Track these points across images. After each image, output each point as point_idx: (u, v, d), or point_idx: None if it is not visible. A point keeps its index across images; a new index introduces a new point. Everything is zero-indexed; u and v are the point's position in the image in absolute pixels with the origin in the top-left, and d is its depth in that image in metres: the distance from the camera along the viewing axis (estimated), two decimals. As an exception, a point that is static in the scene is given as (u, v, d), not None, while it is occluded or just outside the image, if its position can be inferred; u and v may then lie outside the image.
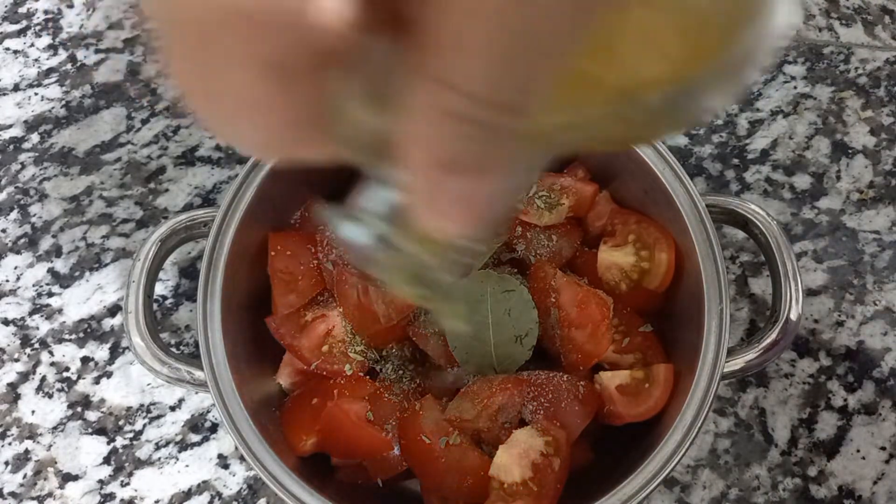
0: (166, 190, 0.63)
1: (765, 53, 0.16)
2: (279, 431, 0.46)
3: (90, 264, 0.60)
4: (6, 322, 0.58)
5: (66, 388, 0.56)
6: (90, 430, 0.55)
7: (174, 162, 0.64)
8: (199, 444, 0.55)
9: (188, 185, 0.63)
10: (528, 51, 0.11)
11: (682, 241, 0.48)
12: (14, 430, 0.55)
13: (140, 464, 0.54)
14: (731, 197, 0.49)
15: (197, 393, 0.56)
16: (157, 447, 0.54)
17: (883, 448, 0.54)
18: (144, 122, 0.66)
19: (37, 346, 0.58)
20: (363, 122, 0.14)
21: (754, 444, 0.54)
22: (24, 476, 0.54)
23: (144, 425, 0.55)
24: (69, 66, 0.69)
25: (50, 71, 0.69)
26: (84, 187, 0.63)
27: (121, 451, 0.54)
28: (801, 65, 0.69)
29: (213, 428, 0.55)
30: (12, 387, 0.56)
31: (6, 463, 0.54)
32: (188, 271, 0.60)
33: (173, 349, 0.54)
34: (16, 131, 0.66)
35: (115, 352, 0.57)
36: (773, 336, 0.45)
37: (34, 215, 0.62)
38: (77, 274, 0.60)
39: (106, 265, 0.60)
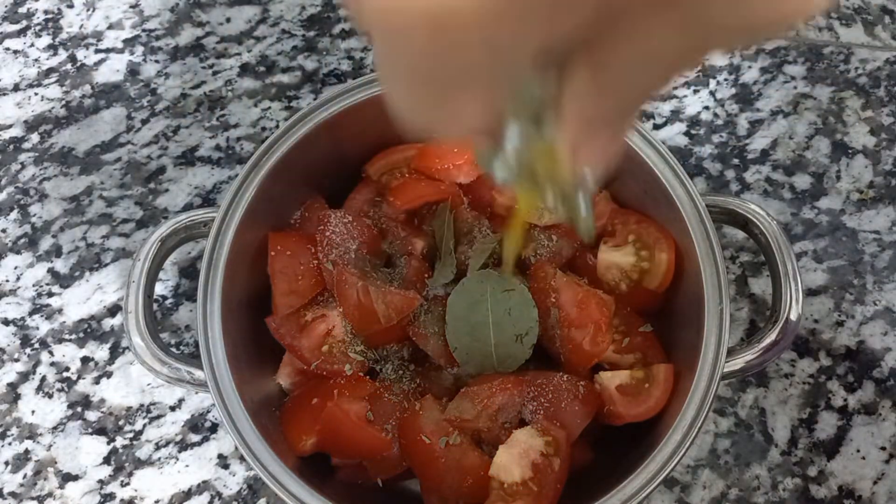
0: (166, 190, 0.63)
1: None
2: (279, 431, 0.46)
3: (90, 264, 0.60)
4: (6, 322, 0.59)
5: (66, 388, 0.56)
6: (90, 430, 0.55)
7: (174, 162, 0.64)
8: (199, 444, 0.55)
9: (188, 185, 0.63)
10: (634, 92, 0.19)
11: (682, 241, 0.48)
12: (14, 430, 0.55)
13: (140, 464, 0.54)
14: (731, 197, 0.49)
15: (197, 393, 0.56)
16: (157, 447, 0.54)
17: (883, 448, 0.54)
18: (144, 122, 0.66)
19: (37, 346, 0.58)
20: (534, 94, 0.19)
21: (754, 444, 0.54)
22: (24, 476, 0.54)
23: (144, 425, 0.55)
24: (69, 66, 0.69)
25: (50, 71, 0.69)
26: (84, 187, 0.63)
27: (121, 451, 0.54)
28: (801, 65, 0.69)
29: (213, 428, 0.55)
30: (12, 387, 0.56)
31: (6, 463, 0.54)
32: (188, 271, 0.60)
33: (173, 349, 0.54)
34: (16, 131, 0.66)
35: (115, 352, 0.57)
36: (773, 336, 0.45)
37: (34, 215, 0.62)
38: (77, 274, 0.60)
39: (106, 265, 0.60)
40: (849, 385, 0.56)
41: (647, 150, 0.48)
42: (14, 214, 0.62)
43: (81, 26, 0.71)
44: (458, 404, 0.45)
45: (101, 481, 0.53)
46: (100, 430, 0.55)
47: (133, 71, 0.68)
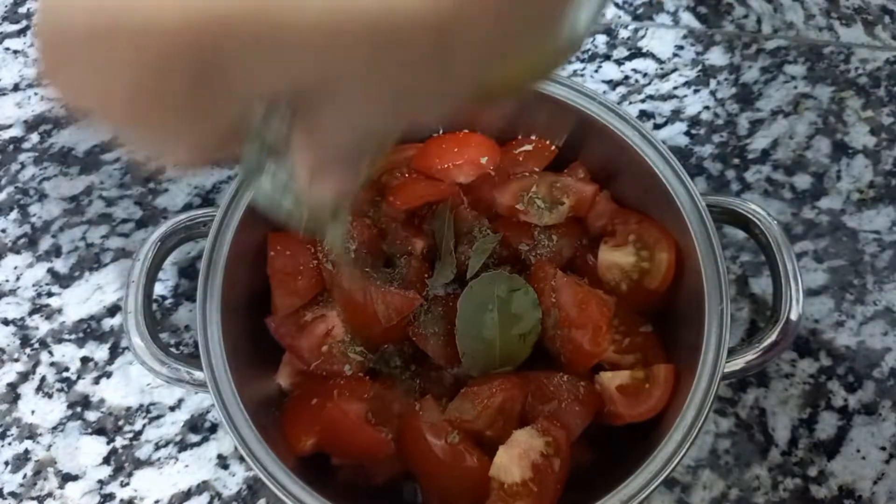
0: (166, 190, 0.63)
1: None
2: (279, 432, 0.46)
3: (90, 264, 0.60)
4: (6, 322, 0.58)
5: (65, 388, 0.56)
6: (90, 430, 0.55)
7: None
8: (198, 444, 0.55)
9: (188, 184, 0.63)
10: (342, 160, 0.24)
11: (682, 241, 0.48)
12: (14, 430, 0.55)
13: (140, 464, 0.54)
14: (732, 197, 0.50)
15: (196, 393, 0.56)
16: (157, 447, 0.54)
17: (883, 448, 0.54)
18: (144, 121, 0.66)
19: (36, 346, 0.58)
20: (266, 138, 0.22)
21: (755, 444, 0.54)
22: (24, 476, 0.54)
23: (144, 425, 0.55)
24: (69, 65, 0.69)
25: (50, 71, 0.68)
26: (84, 187, 0.63)
27: (120, 451, 0.54)
28: (802, 65, 0.69)
29: (213, 428, 0.55)
30: (12, 387, 0.56)
31: (6, 463, 0.54)
32: (188, 271, 0.60)
33: (173, 349, 0.54)
34: (16, 131, 0.66)
35: (115, 352, 0.57)
36: (773, 336, 0.45)
37: (34, 215, 0.62)
38: (77, 274, 0.60)
39: (106, 265, 0.60)
40: (849, 385, 0.56)
41: (647, 150, 0.48)
42: (14, 214, 0.62)
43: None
44: (458, 404, 0.45)
45: (100, 481, 0.53)
46: (99, 431, 0.55)
47: (133, 71, 0.68)
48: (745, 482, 0.53)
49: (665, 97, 0.67)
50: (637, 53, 0.70)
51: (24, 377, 0.57)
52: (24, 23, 0.71)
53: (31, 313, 0.59)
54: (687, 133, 0.66)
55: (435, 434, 0.44)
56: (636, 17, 0.72)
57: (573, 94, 0.50)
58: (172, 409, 0.56)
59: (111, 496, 0.53)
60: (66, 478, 0.54)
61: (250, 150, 0.23)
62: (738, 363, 0.45)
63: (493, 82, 0.24)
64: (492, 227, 0.52)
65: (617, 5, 0.72)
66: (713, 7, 0.72)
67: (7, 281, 0.60)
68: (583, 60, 0.69)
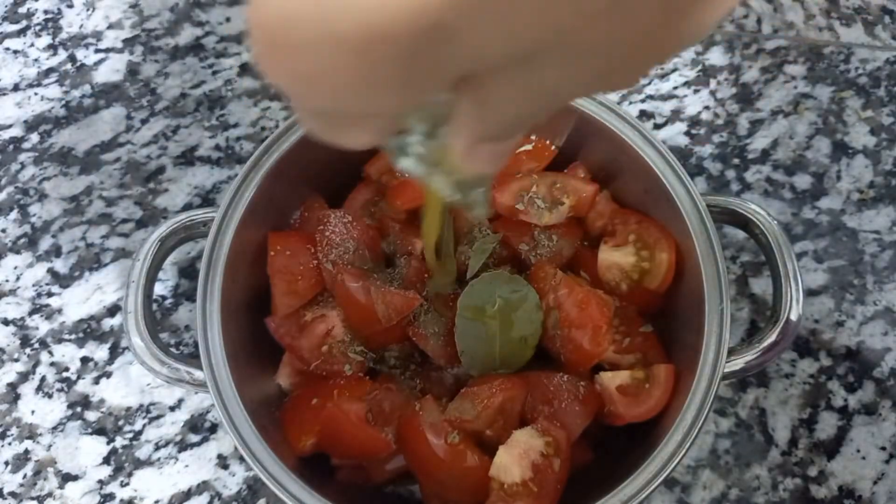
0: (166, 190, 0.63)
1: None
2: (279, 432, 0.46)
3: (90, 264, 0.60)
4: (6, 322, 0.58)
5: (65, 388, 0.56)
6: (90, 430, 0.55)
7: (174, 162, 0.64)
8: (198, 444, 0.55)
9: (188, 184, 0.63)
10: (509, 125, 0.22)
11: (682, 241, 0.48)
12: (14, 430, 0.55)
13: (140, 464, 0.54)
14: (732, 197, 0.49)
15: (196, 393, 0.56)
16: (157, 447, 0.54)
17: (883, 448, 0.54)
18: (144, 121, 0.66)
19: (36, 346, 0.58)
20: (428, 115, 0.23)
21: (755, 444, 0.54)
22: (24, 476, 0.54)
23: (144, 425, 0.55)
24: (69, 66, 0.69)
25: (50, 71, 0.69)
26: (84, 187, 0.63)
27: (120, 451, 0.54)
28: (802, 65, 0.69)
29: (213, 428, 0.55)
30: (12, 387, 0.56)
31: (6, 463, 0.54)
32: (188, 271, 0.60)
33: (173, 349, 0.54)
34: (16, 131, 0.66)
35: (115, 352, 0.57)
36: (773, 336, 0.45)
37: (34, 215, 0.62)
38: (77, 274, 0.60)
39: (105, 265, 0.60)
40: (849, 385, 0.56)
41: (647, 150, 0.48)
42: (14, 214, 0.62)
43: (81, 26, 0.71)
44: (458, 404, 0.45)
45: (100, 481, 0.53)
46: (99, 431, 0.55)
47: (133, 71, 0.68)
48: (745, 482, 0.53)
49: (665, 97, 0.67)
50: (637, 53, 0.70)
51: (24, 377, 0.57)
52: (23, 23, 0.71)
53: (31, 313, 0.59)
54: (687, 133, 0.66)
55: (435, 434, 0.44)
56: (636, 17, 0.72)
57: (573, 94, 0.50)
58: (172, 409, 0.56)
59: (111, 496, 0.53)
60: (66, 478, 0.54)
61: (413, 121, 0.23)
62: (738, 363, 0.45)
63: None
64: (492, 227, 0.52)
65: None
66: (713, 7, 0.72)
67: (7, 281, 0.60)
68: (583, 60, 0.69)
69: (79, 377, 0.57)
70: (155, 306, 0.58)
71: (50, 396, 0.56)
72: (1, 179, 0.64)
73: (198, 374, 0.44)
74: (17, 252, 0.61)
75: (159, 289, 0.59)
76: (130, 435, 0.55)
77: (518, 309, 0.48)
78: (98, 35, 0.70)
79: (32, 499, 0.53)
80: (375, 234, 0.51)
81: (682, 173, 0.48)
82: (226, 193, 0.48)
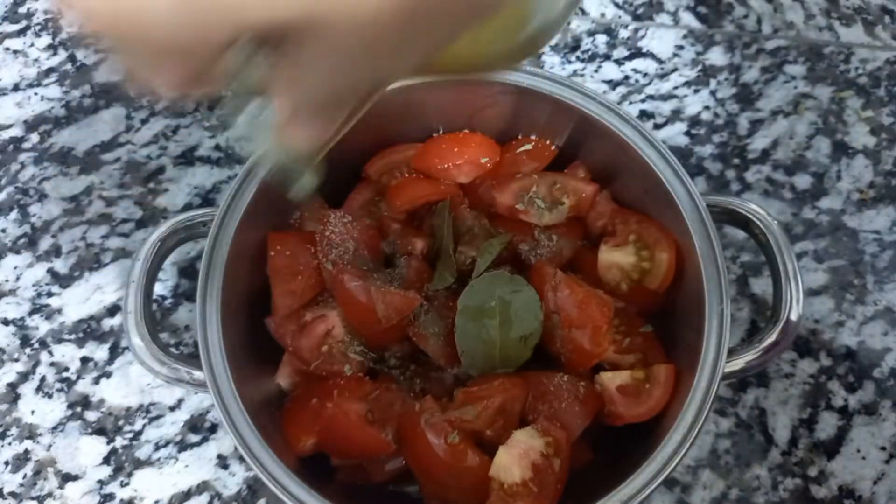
0: (166, 190, 0.63)
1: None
2: (279, 432, 0.46)
3: (90, 264, 0.60)
4: (6, 322, 0.58)
5: (65, 388, 0.56)
6: (90, 430, 0.55)
7: (174, 162, 0.64)
8: (198, 444, 0.55)
9: (188, 184, 0.63)
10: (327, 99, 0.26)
11: (682, 241, 0.48)
12: (14, 430, 0.55)
13: (140, 464, 0.54)
14: (732, 197, 0.49)
15: (196, 393, 0.56)
16: (157, 447, 0.54)
17: (883, 448, 0.54)
18: (144, 121, 0.66)
19: (36, 346, 0.58)
20: (250, 77, 0.25)
21: (755, 444, 0.54)
22: (24, 476, 0.54)
23: (144, 425, 0.55)
24: (69, 66, 0.69)
25: (50, 71, 0.69)
26: (84, 187, 0.63)
27: (120, 451, 0.54)
28: (802, 65, 0.69)
29: (213, 428, 0.55)
30: (12, 387, 0.56)
31: (6, 463, 0.54)
32: (188, 271, 0.60)
33: (173, 349, 0.54)
34: (16, 131, 0.66)
35: (115, 352, 0.57)
36: (773, 336, 0.45)
37: (34, 215, 0.62)
38: (77, 274, 0.60)
39: (105, 265, 0.60)
40: (849, 385, 0.56)
41: (647, 150, 0.48)
42: (14, 214, 0.62)
43: (81, 26, 0.71)
44: (458, 404, 0.45)
45: (100, 481, 0.53)
46: (99, 431, 0.55)
47: (133, 71, 0.68)
48: (745, 482, 0.53)
49: (665, 97, 0.67)
50: (637, 53, 0.70)
51: (24, 377, 0.57)
52: (23, 23, 0.71)
53: (31, 313, 0.59)
54: (687, 133, 0.66)
55: (435, 434, 0.44)
56: (636, 17, 0.72)
57: (573, 93, 0.50)
58: (172, 409, 0.56)
59: (111, 496, 0.53)
60: (66, 478, 0.54)
61: (233, 86, 0.25)
62: (738, 363, 0.45)
63: (462, 51, 0.27)
64: (492, 227, 0.52)
65: (617, 5, 0.72)
66: (713, 7, 0.72)
67: (7, 281, 0.60)
68: (583, 60, 0.69)
69: (79, 377, 0.57)
70: (155, 306, 0.58)
71: (50, 396, 0.56)
72: (1, 179, 0.64)
73: (198, 374, 0.44)
74: (17, 252, 0.61)
75: (159, 289, 0.59)
76: (130, 435, 0.55)
77: (518, 309, 0.48)
78: (98, 35, 0.70)
79: (32, 499, 0.53)
80: (375, 234, 0.51)
81: (682, 173, 0.48)
82: (226, 193, 0.48)
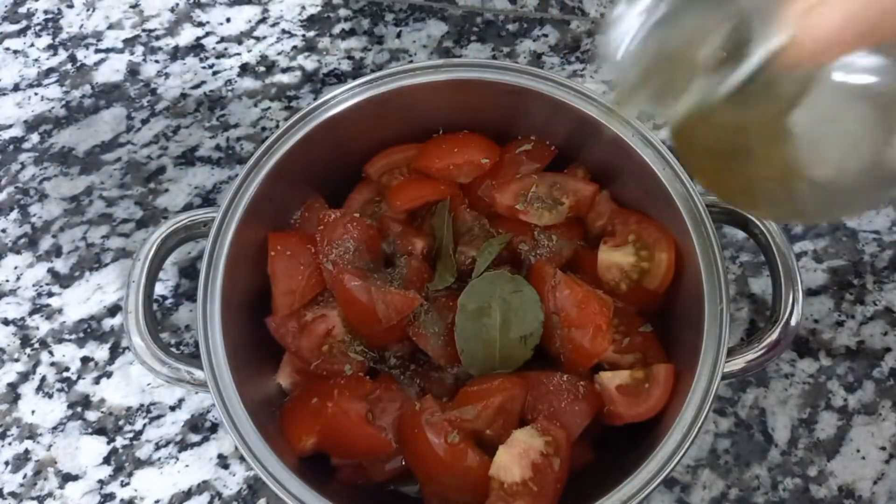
0: (166, 190, 0.63)
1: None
2: (279, 431, 0.46)
3: (90, 264, 0.60)
4: (6, 322, 0.59)
5: (66, 388, 0.56)
6: (90, 430, 0.55)
7: (174, 162, 0.64)
8: (199, 444, 0.55)
9: (188, 185, 0.63)
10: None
11: (682, 240, 0.48)
12: (14, 430, 0.55)
13: (140, 464, 0.54)
14: (731, 197, 0.49)
15: (197, 393, 0.56)
16: (157, 447, 0.54)
17: (883, 448, 0.54)
18: (144, 122, 0.66)
19: (37, 346, 0.58)
20: None
21: (754, 444, 0.54)
22: (24, 476, 0.54)
23: (144, 425, 0.55)
24: (69, 66, 0.69)
25: (50, 71, 0.69)
26: (84, 187, 0.63)
27: (121, 451, 0.54)
28: (801, 65, 0.69)
29: (213, 428, 0.55)
30: (12, 387, 0.56)
31: (6, 463, 0.54)
32: (188, 271, 0.60)
33: (173, 349, 0.54)
34: (16, 131, 0.66)
35: (115, 352, 0.57)
36: (773, 336, 0.45)
37: (34, 215, 0.62)
38: (77, 274, 0.60)
39: (106, 265, 0.60)
40: (849, 385, 0.57)
41: (647, 150, 0.48)
42: (14, 214, 0.62)
43: (81, 26, 0.71)
44: (458, 404, 0.45)
45: (101, 481, 0.53)
46: (100, 430, 0.55)
47: (133, 71, 0.68)
48: (744, 482, 0.53)
49: (665, 97, 0.67)
50: (637, 53, 0.70)
51: (24, 377, 0.57)
52: (23, 23, 0.71)
53: (31, 313, 0.59)
54: (687, 133, 0.66)
55: (435, 434, 0.44)
56: (636, 18, 0.72)
57: (573, 94, 0.50)
58: (173, 408, 0.56)
59: (111, 496, 0.53)
60: (66, 478, 0.54)
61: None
62: (737, 363, 0.45)
63: None
64: (492, 227, 0.52)
65: (617, 5, 0.72)
66: (713, 7, 0.72)
67: (7, 281, 0.60)
68: (583, 61, 0.69)
69: (79, 377, 0.57)
70: (155, 306, 0.58)
71: (50, 396, 0.56)
72: (1, 179, 0.64)
73: (198, 374, 0.44)
74: (18, 252, 0.61)
75: (160, 289, 0.59)
76: (131, 435, 0.55)
77: (518, 309, 0.48)
78: (98, 35, 0.70)
79: (32, 499, 0.53)
80: (375, 234, 0.52)
81: (681, 173, 0.48)
82: (226, 193, 0.48)
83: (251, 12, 0.71)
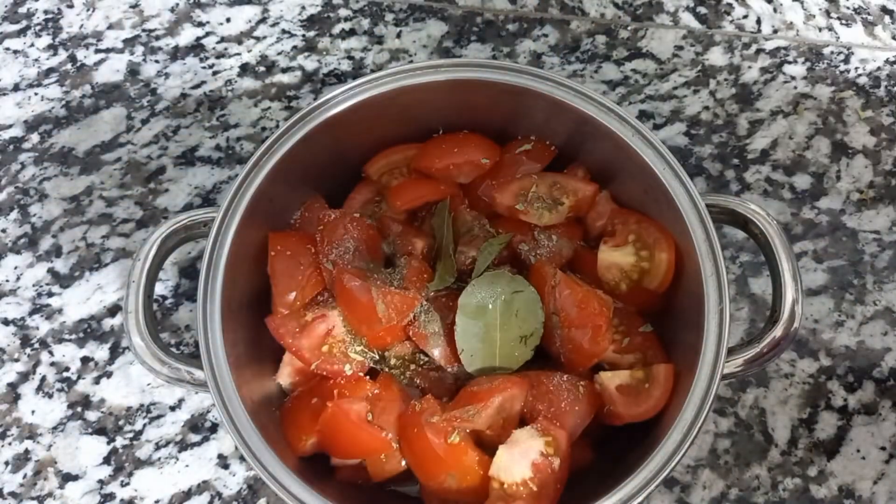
0: (166, 190, 0.63)
1: None
2: (279, 431, 0.46)
3: (90, 264, 0.60)
4: (6, 322, 0.59)
5: (66, 388, 0.56)
6: (90, 430, 0.55)
7: (174, 162, 0.64)
8: (199, 444, 0.55)
9: (188, 185, 0.63)
10: None
11: (682, 241, 0.48)
12: (14, 430, 0.55)
13: (140, 464, 0.54)
14: (731, 197, 0.49)
15: (197, 393, 0.56)
16: (157, 447, 0.54)
17: (883, 448, 0.54)
18: (144, 122, 0.66)
19: (37, 346, 0.58)
20: None
21: (754, 444, 0.54)
22: (24, 476, 0.54)
23: (144, 425, 0.55)
24: (69, 66, 0.69)
25: (50, 71, 0.69)
26: (84, 187, 0.63)
27: (121, 451, 0.54)
28: (801, 65, 0.69)
29: (213, 428, 0.55)
30: (12, 387, 0.56)
31: (6, 463, 0.54)
32: (188, 271, 0.60)
33: (173, 349, 0.54)
34: (16, 131, 0.66)
35: (115, 352, 0.57)
36: (773, 336, 0.45)
37: (34, 215, 0.62)
38: (77, 274, 0.60)
39: (106, 265, 0.60)
40: (849, 385, 0.57)
41: (647, 150, 0.48)
42: (14, 214, 0.62)
43: (81, 26, 0.71)
44: (458, 404, 0.45)
45: (101, 481, 0.53)
46: (100, 430, 0.55)
47: (133, 71, 0.68)
48: (744, 482, 0.53)
49: (665, 97, 0.67)
50: (637, 54, 0.70)
51: (24, 377, 0.57)
52: (23, 23, 0.71)
53: (31, 313, 0.59)
54: (686, 133, 0.66)
55: (435, 434, 0.44)
56: (636, 18, 0.72)
57: (573, 94, 0.50)
58: (173, 408, 0.56)
59: (111, 496, 0.53)
60: (66, 478, 0.54)
61: None
62: (737, 363, 0.45)
63: None
64: (492, 227, 0.52)
65: (616, 5, 0.72)
66: (713, 7, 0.72)
67: (7, 281, 0.60)
68: (582, 61, 0.69)
69: (79, 377, 0.57)
70: (155, 306, 0.58)
71: (50, 396, 0.56)
72: (1, 179, 0.64)
73: (198, 374, 0.44)
74: (18, 252, 0.61)
75: (160, 289, 0.59)
76: (131, 435, 0.55)
77: (518, 309, 0.48)
78: (98, 35, 0.70)
79: (32, 499, 0.53)
80: (375, 234, 0.52)
81: (681, 173, 0.48)
82: (226, 193, 0.48)
83: (251, 12, 0.71)
